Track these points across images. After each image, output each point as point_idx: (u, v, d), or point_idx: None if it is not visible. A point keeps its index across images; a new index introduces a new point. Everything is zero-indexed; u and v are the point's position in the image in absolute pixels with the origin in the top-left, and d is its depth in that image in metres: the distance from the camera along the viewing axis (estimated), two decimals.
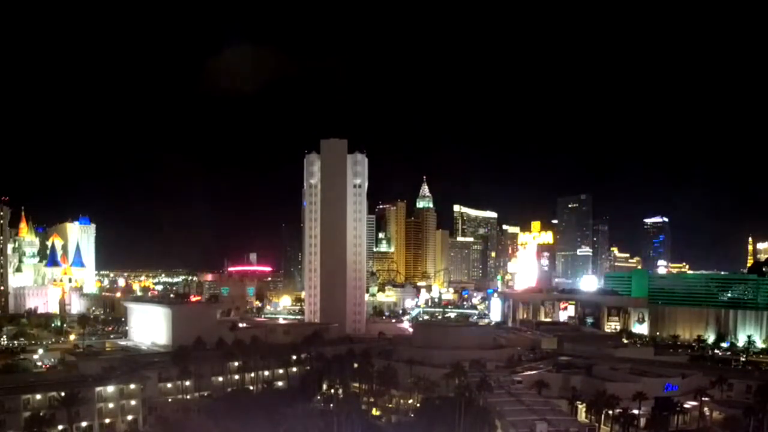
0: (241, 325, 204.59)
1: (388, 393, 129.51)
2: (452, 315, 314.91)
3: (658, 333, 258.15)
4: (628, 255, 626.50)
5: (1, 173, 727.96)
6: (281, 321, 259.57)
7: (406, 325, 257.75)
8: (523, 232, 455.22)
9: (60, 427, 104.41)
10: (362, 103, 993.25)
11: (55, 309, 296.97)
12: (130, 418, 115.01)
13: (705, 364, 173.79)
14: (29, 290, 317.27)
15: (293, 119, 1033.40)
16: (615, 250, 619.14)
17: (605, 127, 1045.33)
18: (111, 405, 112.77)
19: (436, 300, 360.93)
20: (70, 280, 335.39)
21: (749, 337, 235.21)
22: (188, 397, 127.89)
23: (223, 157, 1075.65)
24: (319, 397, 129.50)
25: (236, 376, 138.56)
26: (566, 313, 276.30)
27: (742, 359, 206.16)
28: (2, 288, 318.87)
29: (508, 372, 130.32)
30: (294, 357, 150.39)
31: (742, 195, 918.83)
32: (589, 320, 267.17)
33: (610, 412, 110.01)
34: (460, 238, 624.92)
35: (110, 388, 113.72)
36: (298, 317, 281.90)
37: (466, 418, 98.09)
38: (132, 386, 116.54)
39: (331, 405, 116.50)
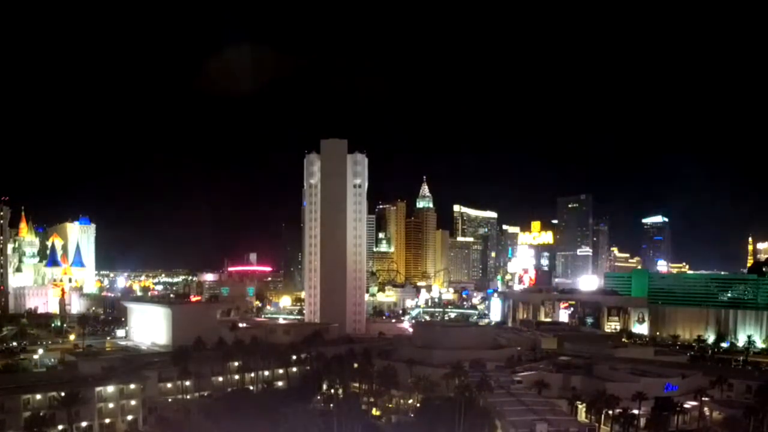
0: (241, 325, 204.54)
1: (388, 393, 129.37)
2: (452, 315, 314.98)
3: (658, 333, 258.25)
4: (628, 255, 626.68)
5: (1, 173, 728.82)
6: (281, 321, 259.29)
7: (406, 325, 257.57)
8: (523, 232, 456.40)
9: (60, 427, 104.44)
10: (362, 103, 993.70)
11: (55, 309, 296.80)
12: (130, 418, 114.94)
13: (705, 364, 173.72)
14: (29, 290, 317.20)
15: (293, 119, 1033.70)
16: (615, 250, 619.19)
17: (605, 128, 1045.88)
18: (111, 405, 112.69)
19: (436, 300, 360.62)
20: (70, 280, 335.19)
21: (749, 337, 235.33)
22: (188, 397, 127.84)
23: (223, 157, 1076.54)
24: (319, 397, 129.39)
25: (236, 376, 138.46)
26: (566, 313, 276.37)
27: (742, 359, 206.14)
28: (2, 288, 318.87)
29: (508, 372, 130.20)
30: (294, 357, 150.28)
31: (741, 195, 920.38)
32: (589, 320, 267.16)
33: (610, 412, 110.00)
34: (460, 238, 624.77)
35: (110, 388, 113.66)
36: (298, 317, 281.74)
37: (466, 418, 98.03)
38: (132, 386, 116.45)
39: (331, 405, 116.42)
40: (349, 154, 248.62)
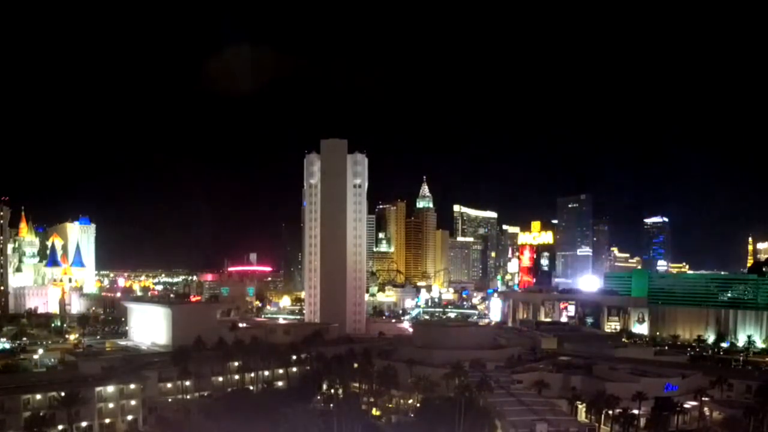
0: (241, 325, 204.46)
1: (388, 393, 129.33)
2: (452, 315, 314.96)
3: (658, 333, 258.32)
4: (628, 255, 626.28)
5: (1, 173, 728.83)
6: (281, 321, 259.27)
7: (406, 325, 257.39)
8: (523, 232, 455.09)
9: (60, 427, 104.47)
10: (362, 104, 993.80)
11: (55, 309, 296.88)
12: (130, 418, 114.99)
13: (705, 364, 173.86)
14: (29, 290, 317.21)
15: (293, 119, 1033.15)
16: (615, 250, 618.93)
17: (606, 127, 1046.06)
18: (111, 405, 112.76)
19: (436, 300, 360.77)
20: (70, 280, 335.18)
21: (749, 337, 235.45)
22: (188, 397, 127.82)
23: (223, 156, 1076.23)
24: (319, 397, 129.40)
25: (236, 376, 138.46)
26: (566, 313, 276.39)
27: (742, 359, 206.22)
28: (2, 288, 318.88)
29: (508, 372, 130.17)
30: (294, 357, 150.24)
31: (741, 195, 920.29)
32: (589, 320, 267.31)
33: (610, 412, 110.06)
34: (460, 238, 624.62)
35: (110, 388, 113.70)
36: (298, 317, 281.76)
37: (466, 419, 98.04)
38: (132, 386, 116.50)
39: (331, 405, 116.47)
40: (349, 154, 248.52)
